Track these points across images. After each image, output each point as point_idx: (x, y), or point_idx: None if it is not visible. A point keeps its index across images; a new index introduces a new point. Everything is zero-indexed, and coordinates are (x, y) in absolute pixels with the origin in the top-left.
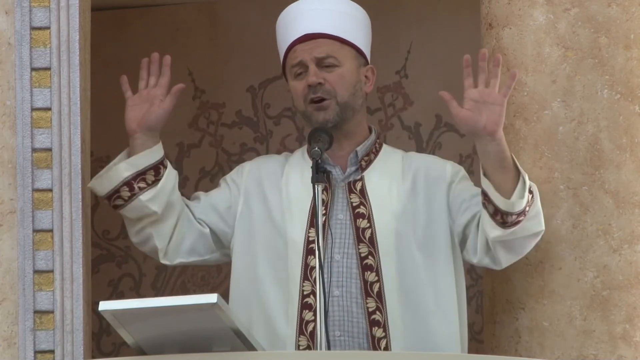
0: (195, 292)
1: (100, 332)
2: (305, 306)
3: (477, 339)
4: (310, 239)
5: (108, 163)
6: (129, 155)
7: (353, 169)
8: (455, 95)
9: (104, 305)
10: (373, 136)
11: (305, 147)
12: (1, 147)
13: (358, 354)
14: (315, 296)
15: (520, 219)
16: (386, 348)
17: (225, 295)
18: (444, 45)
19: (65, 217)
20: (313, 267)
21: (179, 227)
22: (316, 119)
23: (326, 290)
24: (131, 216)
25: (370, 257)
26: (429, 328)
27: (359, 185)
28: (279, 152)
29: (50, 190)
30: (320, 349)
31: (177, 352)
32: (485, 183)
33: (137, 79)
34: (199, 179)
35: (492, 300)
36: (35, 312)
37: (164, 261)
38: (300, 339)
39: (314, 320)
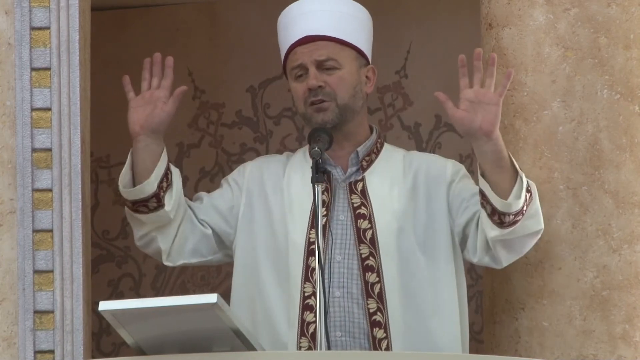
0: (195, 292)
1: (100, 332)
2: (306, 307)
3: (477, 339)
4: (311, 240)
5: (108, 163)
6: (133, 156)
7: (354, 169)
8: (454, 95)
9: (104, 305)
10: (374, 136)
11: (306, 147)
12: (1, 147)
13: (358, 354)
14: (316, 297)
15: (518, 218)
16: (387, 349)
17: (225, 295)
18: (443, 45)
19: (65, 217)
20: (314, 269)
21: (182, 229)
22: (316, 120)
23: (327, 291)
24: (148, 222)
25: (371, 257)
26: (430, 329)
27: (359, 186)
28: (279, 152)
29: (50, 190)
30: (321, 349)
31: (177, 352)
32: (483, 183)
33: (137, 79)
34: (198, 179)
35: (492, 300)
36: (35, 312)
37: (167, 263)
38: (301, 340)
39: (315, 322)
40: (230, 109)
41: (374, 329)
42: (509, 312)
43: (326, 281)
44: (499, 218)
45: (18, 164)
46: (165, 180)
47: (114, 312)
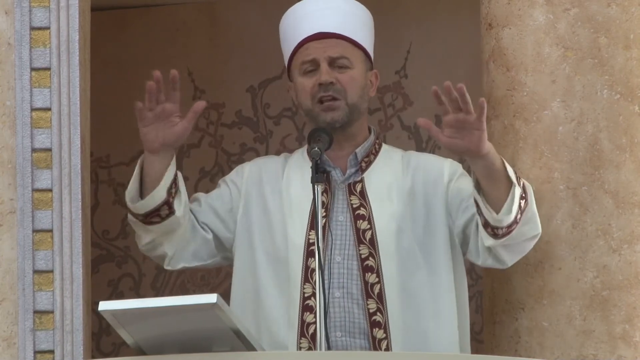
0: (195, 292)
1: (100, 332)
2: (306, 308)
3: (477, 339)
4: (311, 241)
5: (108, 163)
6: (145, 168)
7: (353, 170)
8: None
9: (104, 305)
10: (372, 137)
11: (304, 148)
12: (1, 147)
13: (358, 355)
14: (316, 298)
15: (512, 228)
16: (387, 349)
17: (225, 295)
18: (443, 45)
19: (65, 217)
20: (314, 269)
21: (184, 234)
22: (323, 119)
23: (327, 291)
24: (159, 231)
25: (370, 258)
26: (428, 330)
27: (358, 187)
28: (278, 152)
29: (50, 190)
30: (321, 349)
31: (177, 352)
32: (476, 195)
33: (137, 79)
34: (198, 179)
35: (492, 300)
36: (35, 312)
37: (167, 267)
38: (301, 341)
39: (315, 322)
40: (230, 109)
41: (374, 329)
42: (509, 312)
43: (326, 282)
44: (492, 230)
45: (18, 164)
46: (174, 186)
47: (114, 312)
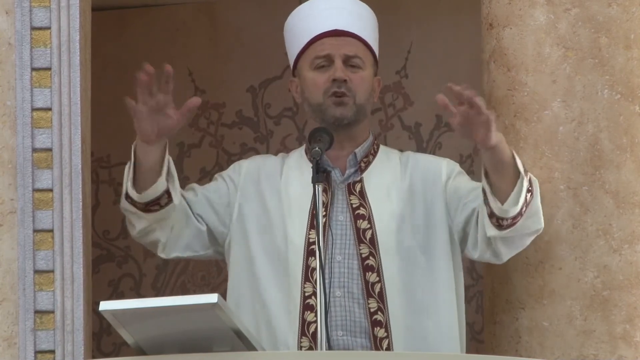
0: (195, 292)
1: (101, 332)
2: (307, 307)
3: (477, 339)
4: (311, 240)
5: (109, 163)
6: (140, 158)
7: (352, 170)
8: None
9: (104, 305)
10: (371, 137)
11: (302, 148)
12: (1, 147)
13: (358, 354)
14: (316, 297)
15: (517, 220)
16: (388, 348)
17: (225, 295)
18: (444, 46)
19: (66, 217)
20: (314, 269)
21: (178, 222)
22: (332, 114)
23: (327, 290)
24: (155, 219)
25: (371, 257)
26: (428, 328)
27: (358, 187)
28: (279, 152)
29: (51, 190)
30: (322, 349)
31: (177, 352)
32: (485, 184)
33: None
34: (199, 179)
35: (492, 300)
36: (36, 312)
37: (161, 254)
38: (302, 340)
39: (316, 322)
40: (230, 109)
41: (375, 328)
42: (509, 312)
43: (327, 281)
44: (497, 221)
45: (18, 164)
46: (168, 172)
47: (115, 312)
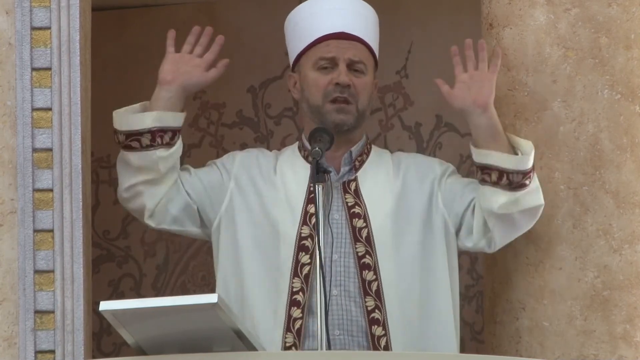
0: (195, 292)
1: (101, 332)
2: (293, 303)
3: (477, 339)
4: (303, 235)
5: (109, 163)
6: (151, 104)
7: (347, 169)
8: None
9: (105, 305)
10: (365, 137)
11: (295, 145)
12: (2, 147)
13: (358, 354)
14: (304, 294)
15: (526, 182)
16: (386, 346)
17: None
18: (444, 46)
19: (66, 217)
20: (304, 264)
21: (169, 193)
22: (332, 120)
23: (327, 289)
24: (135, 164)
25: (367, 256)
26: (425, 325)
27: (353, 186)
28: None
29: (51, 190)
30: (321, 348)
31: (177, 352)
32: (483, 152)
33: (137, 79)
34: None
35: (493, 300)
36: (36, 312)
37: (148, 221)
38: (287, 336)
39: (302, 318)
40: (230, 109)
41: (373, 327)
42: (509, 312)
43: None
44: (508, 179)
45: (19, 164)
46: (172, 136)
47: (115, 312)
